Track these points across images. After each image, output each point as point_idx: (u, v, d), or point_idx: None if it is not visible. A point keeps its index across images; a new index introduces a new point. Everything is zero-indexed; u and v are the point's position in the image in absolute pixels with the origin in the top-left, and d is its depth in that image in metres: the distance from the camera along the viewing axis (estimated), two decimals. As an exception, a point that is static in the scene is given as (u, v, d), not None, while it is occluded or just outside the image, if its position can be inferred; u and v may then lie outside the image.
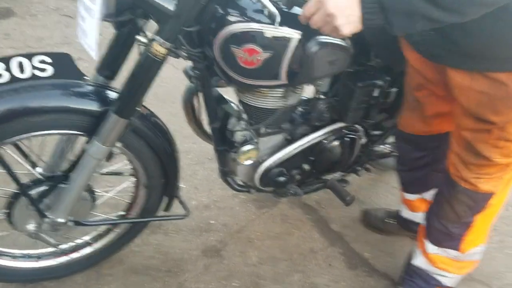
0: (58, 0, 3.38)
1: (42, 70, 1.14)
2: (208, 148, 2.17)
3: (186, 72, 1.37)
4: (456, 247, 1.41)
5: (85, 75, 1.20)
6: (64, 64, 1.16)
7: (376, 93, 1.52)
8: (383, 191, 2.10)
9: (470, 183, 1.26)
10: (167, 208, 1.56)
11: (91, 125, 1.22)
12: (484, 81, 1.07)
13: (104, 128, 1.19)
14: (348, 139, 1.63)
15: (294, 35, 1.16)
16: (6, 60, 1.09)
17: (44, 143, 1.37)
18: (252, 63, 1.19)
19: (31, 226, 1.34)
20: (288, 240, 1.80)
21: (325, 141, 1.59)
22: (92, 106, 1.20)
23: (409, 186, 1.67)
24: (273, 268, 1.68)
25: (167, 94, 2.51)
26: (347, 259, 1.74)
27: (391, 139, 1.81)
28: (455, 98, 1.19)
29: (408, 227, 1.77)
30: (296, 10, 1.13)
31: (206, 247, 1.74)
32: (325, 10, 0.97)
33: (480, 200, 1.28)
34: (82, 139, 1.31)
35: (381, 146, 1.81)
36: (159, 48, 1.09)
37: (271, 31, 1.14)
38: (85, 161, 1.23)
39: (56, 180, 1.30)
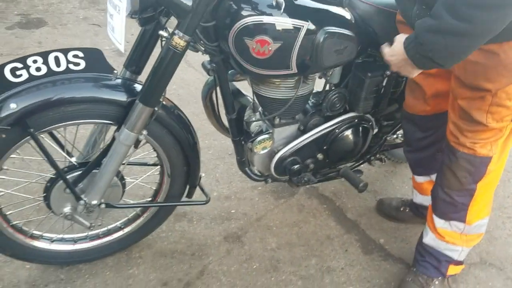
0: (87, 10, 3.61)
1: (76, 64, 1.28)
2: (228, 144, 2.31)
3: (204, 66, 1.48)
4: (462, 219, 1.46)
5: (114, 69, 1.33)
6: (95, 59, 1.29)
7: (385, 82, 1.60)
8: (399, 182, 2.16)
9: (468, 148, 1.34)
10: (189, 195, 1.68)
11: (120, 115, 1.35)
12: (478, 53, 1.17)
13: (131, 116, 1.31)
14: (359, 128, 1.71)
15: (302, 25, 1.26)
16: (44, 55, 1.24)
17: (78, 136, 1.50)
18: (264, 54, 1.29)
19: (67, 209, 1.47)
20: (305, 228, 1.89)
21: (337, 131, 1.67)
22: (121, 97, 1.33)
23: (416, 167, 1.73)
24: (290, 253, 1.77)
25: (189, 95, 2.65)
26: (363, 245, 1.81)
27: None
28: (452, 71, 1.28)
29: (420, 213, 1.83)
30: (304, 1, 1.22)
31: (227, 234, 1.84)
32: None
33: (478, 165, 1.35)
34: (112, 130, 1.45)
35: (393, 136, 1.88)
36: (179, 41, 1.21)
37: (280, 22, 1.24)
38: (116, 147, 1.36)
39: (89, 165, 1.43)
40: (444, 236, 1.51)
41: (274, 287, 1.63)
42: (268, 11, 1.25)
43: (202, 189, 1.68)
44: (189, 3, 1.17)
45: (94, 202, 1.44)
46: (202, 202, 1.65)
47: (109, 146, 1.40)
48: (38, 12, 3.55)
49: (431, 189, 1.63)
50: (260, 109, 1.60)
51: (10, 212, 1.51)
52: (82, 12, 3.58)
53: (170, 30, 1.30)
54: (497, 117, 1.26)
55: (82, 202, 1.43)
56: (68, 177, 1.42)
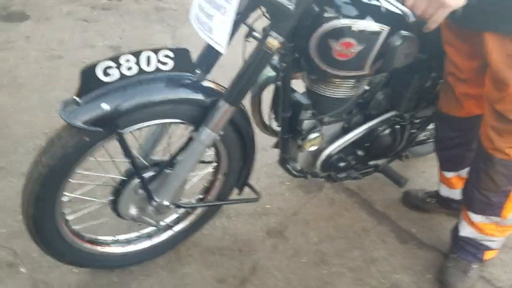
0: (69, 5, 3.43)
1: (164, 63, 1.25)
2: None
3: (273, 66, 1.50)
4: (498, 214, 1.60)
5: (197, 69, 1.32)
6: (183, 58, 1.27)
7: (428, 83, 1.71)
8: (414, 175, 2.30)
9: (505, 153, 1.46)
10: (240, 193, 1.70)
11: (198, 114, 1.34)
12: None
13: (215, 115, 1.31)
14: (398, 126, 1.81)
15: (384, 29, 1.33)
16: (137, 54, 1.20)
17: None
18: (346, 55, 1.35)
19: (134, 211, 1.44)
20: (340, 221, 1.97)
21: (380, 129, 1.76)
22: (203, 97, 1.33)
23: (446, 163, 1.86)
24: (333, 246, 1.84)
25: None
26: (397, 235, 1.93)
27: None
28: (488, 62, 1.35)
29: (447, 204, 1.97)
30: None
31: (269, 229, 1.88)
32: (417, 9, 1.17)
33: None
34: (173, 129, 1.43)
35: (423, 133, 2.01)
36: (273, 42, 1.23)
37: (366, 26, 1.30)
38: (194, 147, 1.35)
39: (162, 166, 1.40)
40: (483, 229, 1.64)
41: (328, 280, 1.70)
42: (356, 14, 1.30)
43: (251, 187, 1.71)
44: (291, 6, 1.19)
45: (166, 202, 1.42)
46: (255, 199, 1.68)
47: (183, 146, 1.39)
48: (15, 4, 3.34)
49: (460, 185, 1.77)
50: (312, 106, 1.64)
51: (72, 217, 1.44)
52: (65, 7, 3.41)
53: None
54: None
55: (154, 203, 1.41)
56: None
